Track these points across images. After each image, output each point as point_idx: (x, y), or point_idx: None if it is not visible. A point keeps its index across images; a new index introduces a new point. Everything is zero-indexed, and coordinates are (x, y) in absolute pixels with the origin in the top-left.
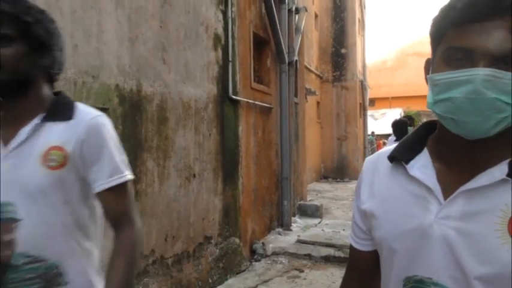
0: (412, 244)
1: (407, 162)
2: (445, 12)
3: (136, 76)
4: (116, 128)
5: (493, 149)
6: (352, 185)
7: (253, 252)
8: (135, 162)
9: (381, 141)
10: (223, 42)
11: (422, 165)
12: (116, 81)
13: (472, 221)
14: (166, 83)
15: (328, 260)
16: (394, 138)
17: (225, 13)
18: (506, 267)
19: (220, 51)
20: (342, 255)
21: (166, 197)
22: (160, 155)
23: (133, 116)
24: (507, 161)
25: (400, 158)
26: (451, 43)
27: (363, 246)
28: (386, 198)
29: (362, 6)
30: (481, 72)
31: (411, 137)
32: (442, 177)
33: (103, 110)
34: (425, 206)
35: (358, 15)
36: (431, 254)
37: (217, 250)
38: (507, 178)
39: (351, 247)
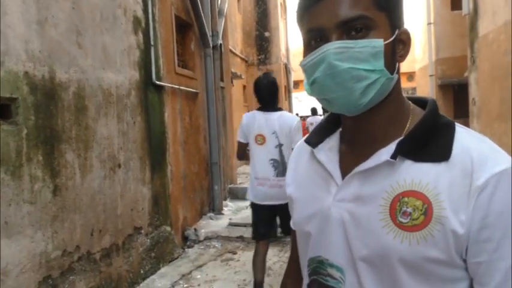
0: (316, 226)
1: (315, 146)
2: None
3: (48, 62)
4: (28, 118)
5: (382, 128)
6: None
7: (185, 238)
8: (52, 155)
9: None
10: (143, 25)
11: (328, 149)
12: (25, 68)
13: (361, 203)
14: (83, 69)
15: None
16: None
17: None
18: (386, 250)
19: (141, 35)
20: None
21: (89, 190)
22: (80, 146)
23: (47, 105)
24: (397, 141)
25: (310, 142)
26: (307, 27)
27: None
28: (302, 182)
29: None
30: (331, 46)
31: (324, 120)
32: (344, 160)
33: (11, 99)
34: (327, 189)
35: None
36: (330, 235)
37: (148, 240)
38: (391, 160)
39: (291, 230)
